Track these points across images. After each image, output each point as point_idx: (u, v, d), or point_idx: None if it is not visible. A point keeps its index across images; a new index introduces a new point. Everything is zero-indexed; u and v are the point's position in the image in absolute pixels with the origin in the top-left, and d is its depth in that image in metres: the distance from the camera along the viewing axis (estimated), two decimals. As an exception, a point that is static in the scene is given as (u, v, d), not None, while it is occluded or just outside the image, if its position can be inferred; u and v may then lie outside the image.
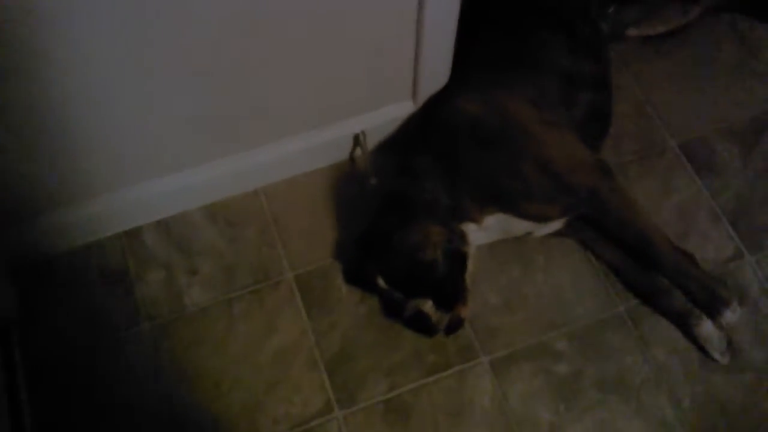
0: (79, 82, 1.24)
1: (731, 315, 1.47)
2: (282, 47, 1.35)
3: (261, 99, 1.46)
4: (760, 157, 1.72)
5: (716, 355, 1.51)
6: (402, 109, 1.64)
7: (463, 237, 1.47)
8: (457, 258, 1.45)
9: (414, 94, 1.61)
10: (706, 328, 1.51)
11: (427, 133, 1.55)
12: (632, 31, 1.82)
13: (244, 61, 1.35)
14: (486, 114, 1.49)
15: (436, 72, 1.57)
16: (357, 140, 1.65)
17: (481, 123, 1.48)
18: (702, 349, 1.52)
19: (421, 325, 1.42)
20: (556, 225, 1.55)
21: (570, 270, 1.60)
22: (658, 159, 1.72)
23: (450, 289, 1.42)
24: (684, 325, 1.53)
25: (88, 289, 1.55)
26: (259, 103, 1.47)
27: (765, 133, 1.75)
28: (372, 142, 1.67)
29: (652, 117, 1.77)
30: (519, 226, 1.51)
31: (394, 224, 1.44)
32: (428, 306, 1.40)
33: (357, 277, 1.55)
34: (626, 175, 1.69)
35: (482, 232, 1.50)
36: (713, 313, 1.48)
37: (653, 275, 1.54)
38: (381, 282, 1.45)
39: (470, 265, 1.47)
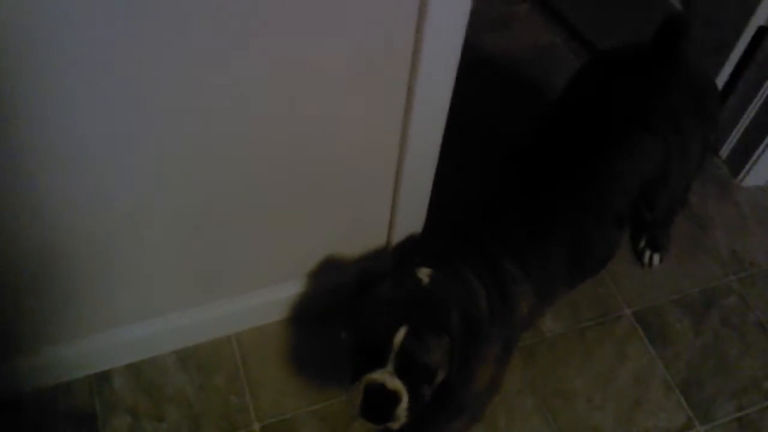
0: (79, 228, 1.30)
1: None
2: (274, 202, 1.44)
3: (250, 252, 1.53)
4: (709, 328, 1.83)
5: None
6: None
7: None
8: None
9: (389, 238, 1.68)
10: None
11: None
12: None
13: (238, 215, 1.43)
14: None
15: (412, 214, 1.63)
16: (331, 293, 1.71)
17: None
18: None
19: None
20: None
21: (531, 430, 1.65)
22: (613, 325, 1.82)
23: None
24: None
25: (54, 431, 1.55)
26: (247, 256, 1.54)
27: (714, 306, 1.87)
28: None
29: (608, 285, 1.88)
30: None
31: None
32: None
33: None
34: (583, 338, 1.78)
35: None
36: None
37: None
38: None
39: None
